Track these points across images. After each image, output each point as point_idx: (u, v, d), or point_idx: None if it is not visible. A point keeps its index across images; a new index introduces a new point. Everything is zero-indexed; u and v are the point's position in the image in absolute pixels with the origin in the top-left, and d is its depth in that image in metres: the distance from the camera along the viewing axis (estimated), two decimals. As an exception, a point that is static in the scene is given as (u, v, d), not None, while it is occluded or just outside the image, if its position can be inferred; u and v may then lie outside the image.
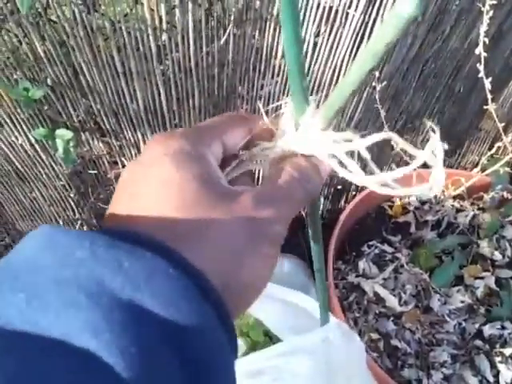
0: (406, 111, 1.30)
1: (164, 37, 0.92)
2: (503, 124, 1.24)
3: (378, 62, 0.34)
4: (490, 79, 1.06)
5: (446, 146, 0.39)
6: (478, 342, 1.16)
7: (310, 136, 0.40)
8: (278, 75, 1.08)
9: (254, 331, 1.01)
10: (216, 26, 0.93)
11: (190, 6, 0.86)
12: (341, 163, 0.41)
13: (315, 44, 0.99)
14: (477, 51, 1.04)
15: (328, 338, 0.71)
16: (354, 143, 0.39)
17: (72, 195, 1.30)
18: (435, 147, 0.37)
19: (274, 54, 1.02)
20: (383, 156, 1.40)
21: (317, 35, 0.97)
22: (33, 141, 1.10)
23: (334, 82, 1.07)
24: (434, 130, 0.39)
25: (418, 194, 0.37)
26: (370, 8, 0.90)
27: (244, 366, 0.69)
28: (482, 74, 1.05)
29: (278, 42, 0.99)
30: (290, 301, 0.84)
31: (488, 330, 1.17)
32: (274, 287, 0.84)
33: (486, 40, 1.01)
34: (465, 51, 1.16)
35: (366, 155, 0.39)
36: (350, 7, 0.89)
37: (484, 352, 1.15)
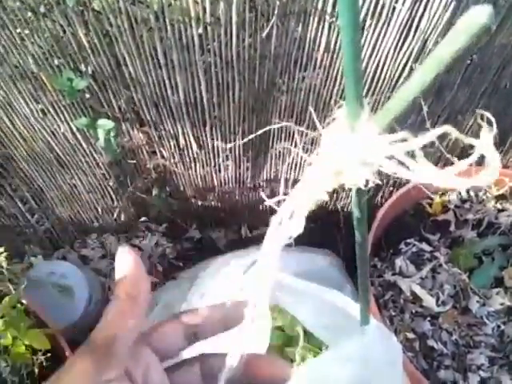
0: (449, 106, 1.27)
1: (207, 28, 0.91)
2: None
3: (445, 70, 0.33)
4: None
5: (496, 132, 0.38)
6: (517, 346, 1.14)
7: (366, 140, 0.39)
8: (319, 68, 1.07)
9: (290, 326, 1.00)
10: (259, 18, 0.92)
11: (235, 2, 0.85)
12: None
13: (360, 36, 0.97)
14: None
15: (371, 340, 0.70)
16: (411, 143, 0.38)
17: (111, 183, 1.32)
18: (489, 135, 0.36)
19: (316, 47, 1.01)
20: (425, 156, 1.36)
21: (362, 29, 0.95)
22: (74, 129, 1.11)
23: (376, 78, 1.05)
24: (486, 119, 0.38)
25: (477, 185, 0.36)
26: (418, 3, 0.88)
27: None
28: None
29: (320, 35, 0.98)
30: (326, 299, 0.83)
31: (528, 334, 1.14)
32: (311, 285, 0.83)
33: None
34: (513, 47, 1.12)
35: (420, 155, 0.38)
36: (397, 1, 0.87)
37: (523, 356, 1.12)
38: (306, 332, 1.00)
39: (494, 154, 0.36)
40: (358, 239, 0.57)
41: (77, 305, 1.27)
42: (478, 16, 0.28)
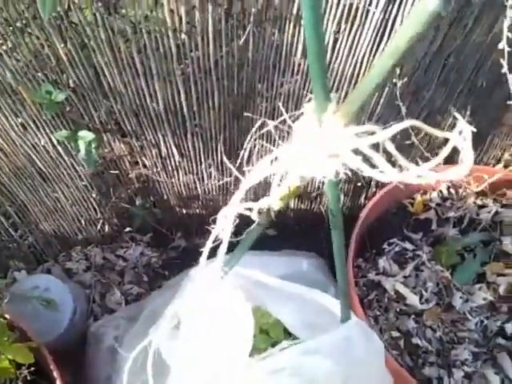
0: (427, 107, 1.29)
1: (184, 37, 0.92)
2: (526, 119, 1.22)
3: (401, 58, 0.34)
4: (512, 75, 1.04)
5: (474, 129, 0.39)
6: (500, 340, 1.15)
7: (332, 132, 0.40)
8: (297, 73, 1.08)
9: (275, 329, 1.01)
10: (235, 25, 0.94)
11: (210, 6, 0.86)
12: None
13: (335, 41, 0.99)
14: (500, 46, 1.03)
15: (349, 336, 0.71)
16: (377, 135, 0.39)
17: (94, 195, 1.32)
18: (463, 129, 0.37)
19: (293, 52, 1.02)
20: (402, 153, 1.38)
21: (337, 33, 0.97)
22: (55, 142, 1.11)
23: (354, 80, 1.06)
24: (461, 114, 0.39)
25: (449, 178, 0.37)
26: (391, 6, 0.90)
27: (266, 363, 0.69)
28: (505, 69, 1.03)
29: (297, 40, 0.99)
30: (308, 298, 0.84)
31: (510, 328, 1.15)
32: (293, 286, 0.84)
33: (510, 35, 1.00)
34: (487, 46, 1.15)
35: (391, 147, 0.39)
36: (370, 4, 0.89)
37: (506, 350, 1.13)
38: (291, 335, 1.01)
39: (469, 147, 0.38)
40: (334, 230, 0.59)
41: (61, 318, 1.27)
42: (429, 4, 0.29)
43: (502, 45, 1.03)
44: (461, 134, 0.39)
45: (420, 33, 0.30)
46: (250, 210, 0.49)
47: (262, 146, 1.16)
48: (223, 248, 0.50)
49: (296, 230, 1.60)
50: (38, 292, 1.28)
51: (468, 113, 1.38)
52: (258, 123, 0.50)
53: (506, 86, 1.17)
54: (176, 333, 0.88)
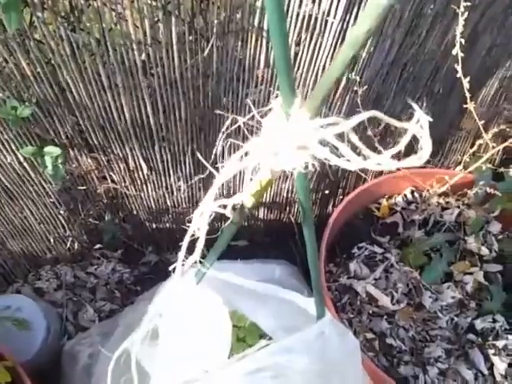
0: (387, 113, 1.33)
1: (149, 50, 0.94)
2: (483, 122, 1.27)
3: (360, 48, 0.36)
4: (467, 79, 1.09)
5: (431, 119, 0.41)
6: (471, 336, 1.18)
7: (299, 125, 0.42)
8: (261, 84, 1.11)
9: (251, 336, 1.02)
10: (199, 39, 0.95)
11: (173, 20, 0.88)
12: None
13: (296, 52, 1.02)
14: (454, 52, 1.08)
15: (323, 332, 0.72)
16: (341, 125, 0.41)
17: (62, 212, 1.31)
18: (420, 119, 0.40)
19: (256, 63, 1.04)
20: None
21: (298, 43, 1.00)
22: (21, 159, 1.10)
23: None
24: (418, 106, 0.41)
25: (411, 165, 0.40)
26: (348, 15, 0.93)
27: (243, 364, 0.70)
28: (460, 74, 1.08)
29: (260, 52, 1.01)
30: (283, 299, 0.85)
31: (480, 324, 1.19)
32: (268, 287, 0.85)
33: (463, 41, 1.05)
34: (442, 53, 1.19)
35: (354, 138, 0.41)
36: (328, 15, 0.92)
37: (477, 345, 1.17)
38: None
39: (426, 134, 0.40)
40: (305, 225, 0.60)
41: (35, 337, 1.25)
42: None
43: (456, 51, 1.08)
44: (418, 122, 0.41)
45: (376, 24, 0.32)
46: (224, 207, 0.50)
47: (230, 143, 1.17)
48: (200, 244, 0.51)
49: (266, 240, 1.62)
50: (10, 312, 1.26)
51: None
52: (228, 121, 0.51)
53: (461, 91, 1.22)
54: (154, 337, 0.88)
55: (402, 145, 0.41)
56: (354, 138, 0.40)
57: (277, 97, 0.44)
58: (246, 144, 0.45)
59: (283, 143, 0.43)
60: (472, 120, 1.55)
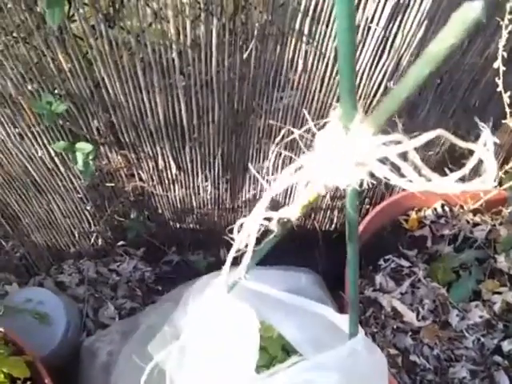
0: (421, 125, 1.31)
1: (187, 51, 0.92)
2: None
3: (437, 65, 0.35)
4: (508, 93, 1.06)
5: (497, 140, 0.39)
6: (497, 358, 1.15)
7: (360, 141, 0.40)
8: (297, 88, 1.09)
9: (273, 346, 1.00)
10: (238, 40, 0.94)
11: (214, 21, 0.87)
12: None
13: (336, 56, 1.00)
14: (495, 65, 1.05)
15: (355, 350, 0.70)
16: (405, 144, 0.39)
17: (88, 208, 1.31)
18: (486, 141, 0.38)
19: (294, 67, 1.03)
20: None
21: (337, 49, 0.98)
22: (53, 154, 1.10)
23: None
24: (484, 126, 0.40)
25: (475, 188, 0.38)
26: (391, 24, 0.91)
27: (274, 380, 0.69)
28: (500, 88, 1.05)
29: (298, 56, 1.00)
30: (312, 312, 0.83)
31: (507, 346, 1.16)
32: (297, 299, 0.83)
33: (505, 54, 1.02)
34: (482, 65, 1.17)
35: (416, 157, 0.40)
36: (372, 22, 0.90)
37: (503, 368, 1.14)
38: (288, 353, 1.00)
39: (492, 158, 0.38)
40: (350, 241, 0.58)
41: (55, 332, 1.25)
42: (471, 11, 0.30)
43: (497, 64, 1.05)
44: (485, 145, 0.39)
45: (460, 40, 0.30)
46: (269, 220, 0.49)
47: (281, 154, 1.15)
48: (247, 258, 0.50)
49: (290, 246, 1.60)
50: (32, 305, 1.26)
51: (461, 131, 1.40)
52: (284, 131, 0.50)
53: (497, 105, 1.19)
54: (181, 349, 0.87)
55: (467, 168, 0.39)
56: (416, 158, 0.38)
57: (335, 109, 0.42)
58: (301, 157, 0.43)
59: (340, 159, 0.41)
60: (506, 134, 1.52)
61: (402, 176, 0.41)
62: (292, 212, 0.49)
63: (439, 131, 0.40)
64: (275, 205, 1.34)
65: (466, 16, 0.29)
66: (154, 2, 0.82)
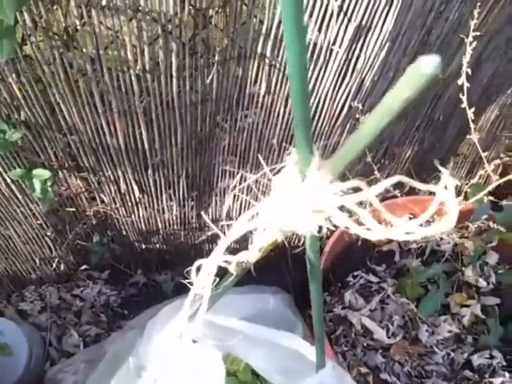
0: (386, 140, 1.31)
1: (146, 73, 0.90)
2: (484, 151, 1.25)
3: (394, 118, 0.33)
4: (472, 109, 1.06)
5: (458, 182, 0.38)
6: (468, 373, 1.15)
7: (317, 188, 0.38)
8: (261, 107, 1.07)
9: (243, 372, 0.98)
10: (199, 62, 0.92)
11: (174, 45, 0.84)
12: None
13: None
14: (459, 81, 1.05)
15: (326, 382, 0.69)
16: (365, 192, 0.37)
17: (49, 233, 1.26)
18: (447, 183, 0.37)
19: (257, 88, 1.01)
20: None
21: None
22: (9, 181, 1.06)
23: (316, 117, 1.06)
24: (444, 167, 0.38)
25: (437, 232, 0.36)
26: (354, 45, 0.90)
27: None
28: (465, 104, 1.05)
29: (261, 77, 0.98)
30: (279, 342, 0.81)
31: (477, 360, 1.16)
32: (263, 330, 0.82)
33: (469, 70, 1.02)
34: (445, 81, 1.17)
35: (377, 204, 0.38)
36: (334, 44, 0.89)
37: (474, 383, 1.14)
38: (258, 377, 0.98)
39: (453, 200, 0.37)
40: (313, 282, 0.57)
41: (17, 362, 1.20)
42: (425, 66, 0.28)
43: (461, 80, 1.05)
44: (446, 188, 0.38)
45: (415, 94, 0.29)
46: (229, 262, 0.47)
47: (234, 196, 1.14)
48: (204, 307, 0.48)
49: (259, 263, 1.58)
50: (-9, 337, 1.21)
51: (426, 144, 1.41)
52: (238, 177, 0.48)
53: (460, 118, 1.20)
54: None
55: (429, 212, 0.38)
56: (377, 204, 0.37)
57: (290, 154, 0.40)
58: (257, 204, 0.41)
59: (297, 205, 0.39)
60: (470, 146, 1.54)
61: (361, 224, 0.40)
62: (250, 255, 0.47)
63: (399, 177, 0.39)
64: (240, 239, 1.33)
65: (422, 71, 0.28)
66: (108, 29, 0.80)
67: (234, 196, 1.14)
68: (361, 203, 0.42)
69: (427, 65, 0.28)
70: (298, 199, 0.40)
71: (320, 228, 0.42)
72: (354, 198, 0.38)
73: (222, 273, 0.56)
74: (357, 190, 0.40)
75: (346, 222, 0.39)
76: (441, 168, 0.41)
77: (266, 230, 0.44)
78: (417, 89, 0.29)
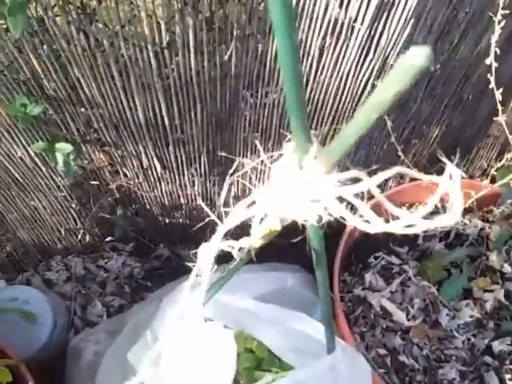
0: (413, 119, 1.27)
1: (164, 50, 0.89)
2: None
3: (385, 112, 0.32)
4: (500, 90, 1.02)
5: (463, 174, 0.37)
6: (488, 359, 1.13)
7: (314, 177, 0.37)
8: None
9: (259, 348, 0.98)
10: (217, 37, 0.91)
11: (191, 20, 0.83)
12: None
13: (320, 55, 0.96)
14: (487, 61, 1.01)
15: (335, 367, 0.69)
16: (364, 183, 0.36)
17: (73, 205, 1.28)
18: (452, 174, 0.35)
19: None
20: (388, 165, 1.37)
21: (322, 48, 0.94)
22: (32, 154, 1.08)
23: (339, 95, 1.04)
24: (450, 159, 0.37)
25: (440, 226, 0.35)
26: (376, 23, 0.87)
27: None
28: (493, 85, 1.02)
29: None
30: (293, 323, 0.81)
31: (497, 346, 1.14)
32: (277, 310, 0.82)
33: (498, 50, 0.98)
34: (474, 60, 1.13)
35: (378, 195, 0.37)
36: (355, 21, 0.86)
37: (493, 369, 1.12)
38: (276, 356, 0.98)
39: (458, 192, 0.35)
40: (318, 269, 0.56)
41: (41, 331, 1.23)
42: (416, 58, 0.27)
43: (490, 60, 1.01)
44: (451, 178, 0.36)
45: (405, 88, 0.27)
46: (231, 247, 0.47)
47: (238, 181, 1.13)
48: (203, 288, 0.47)
49: (280, 242, 1.58)
50: (17, 304, 1.25)
51: (454, 124, 1.37)
52: (235, 163, 0.47)
53: (491, 98, 1.15)
54: (157, 360, 0.85)
55: (432, 203, 0.36)
56: (377, 194, 0.36)
57: (289, 141, 0.39)
58: (254, 192, 0.41)
59: (295, 194, 0.38)
60: (500, 127, 1.48)
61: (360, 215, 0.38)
62: (252, 242, 0.47)
63: (398, 168, 0.37)
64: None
65: (412, 63, 0.27)
66: (125, 4, 0.79)
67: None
68: (362, 193, 0.41)
69: (418, 56, 0.27)
70: (296, 188, 0.39)
71: (320, 218, 0.41)
72: (352, 189, 0.37)
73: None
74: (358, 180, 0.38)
75: (343, 213, 0.38)
76: (444, 159, 0.39)
77: (264, 217, 0.43)
78: (407, 81, 0.28)
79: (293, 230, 1.54)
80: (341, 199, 0.38)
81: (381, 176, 0.36)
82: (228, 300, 0.78)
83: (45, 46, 0.85)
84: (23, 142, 1.04)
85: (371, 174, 0.37)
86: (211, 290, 0.61)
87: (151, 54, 0.88)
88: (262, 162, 0.42)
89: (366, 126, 0.31)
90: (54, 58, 0.87)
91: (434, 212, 1.10)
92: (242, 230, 0.51)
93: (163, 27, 0.83)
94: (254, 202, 0.41)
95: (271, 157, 0.42)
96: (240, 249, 0.48)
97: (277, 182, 0.39)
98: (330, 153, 0.35)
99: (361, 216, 0.38)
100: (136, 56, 0.89)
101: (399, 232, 0.37)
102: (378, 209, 0.39)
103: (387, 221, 0.38)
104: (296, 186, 0.38)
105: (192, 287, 0.54)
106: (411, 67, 0.26)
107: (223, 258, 0.53)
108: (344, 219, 0.37)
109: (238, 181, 1.34)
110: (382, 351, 1.15)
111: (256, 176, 1.27)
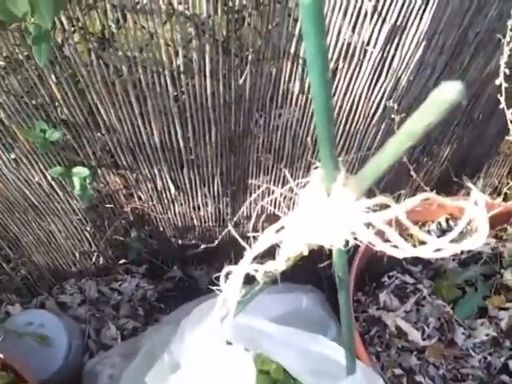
0: (424, 138, 1.28)
1: (180, 74, 0.91)
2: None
3: (416, 142, 0.33)
4: (511, 110, 1.03)
5: (489, 198, 0.38)
6: (505, 377, 1.13)
7: (342, 205, 0.38)
8: (295, 105, 1.07)
9: (275, 370, 0.98)
10: (233, 63, 0.92)
11: (207, 45, 0.85)
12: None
13: (333, 77, 0.98)
14: (497, 82, 1.02)
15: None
16: (392, 210, 0.37)
17: (88, 228, 1.30)
18: (476, 199, 0.36)
19: (291, 87, 1.01)
20: (399, 184, 1.38)
21: (335, 71, 0.96)
22: (49, 178, 1.09)
23: (351, 117, 1.05)
24: (474, 184, 0.38)
25: (467, 249, 0.36)
26: (389, 45, 0.89)
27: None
28: (503, 105, 1.03)
29: (295, 77, 0.98)
30: (311, 345, 0.82)
31: (514, 365, 1.13)
32: (295, 332, 0.82)
33: (507, 71, 0.99)
34: (484, 80, 1.14)
35: (406, 222, 0.38)
36: (368, 44, 0.88)
37: (511, 387, 1.11)
38: (292, 377, 0.98)
39: (483, 218, 0.36)
40: (341, 292, 0.57)
41: (56, 355, 1.24)
42: (448, 92, 0.28)
43: (499, 81, 1.02)
44: (476, 203, 0.37)
45: (437, 120, 0.29)
46: (256, 270, 0.47)
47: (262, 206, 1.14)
48: (231, 315, 0.48)
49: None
50: (32, 328, 1.26)
51: (465, 142, 1.38)
52: (261, 188, 0.48)
53: (501, 116, 1.16)
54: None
55: (458, 229, 0.37)
56: (405, 221, 0.37)
57: (316, 168, 0.40)
58: (283, 218, 0.42)
59: (322, 220, 0.39)
60: (511, 145, 1.49)
61: (388, 241, 0.39)
62: (277, 266, 0.48)
63: (425, 194, 0.38)
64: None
65: (445, 98, 0.28)
66: (144, 30, 0.81)
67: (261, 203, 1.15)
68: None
69: (450, 91, 0.28)
70: (324, 214, 0.40)
71: (347, 242, 0.42)
72: (381, 216, 0.37)
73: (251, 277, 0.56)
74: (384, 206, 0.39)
75: (371, 239, 0.39)
76: (470, 185, 0.40)
77: (292, 243, 0.44)
78: (439, 114, 0.29)
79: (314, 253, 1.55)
80: (368, 225, 0.39)
81: (409, 202, 0.37)
82: (245, 322, 0.79)
83: (64, 73, 0.87)
84: (41, 167, 1.06)
85: (395, 199, 0.38)
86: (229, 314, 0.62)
87: (168, 79, 0.90)
88: (289, 188, 0.43)
89: (398, 154, 0.32)
90: (73, 84, 0.89)
91: (446, 230, 1.11)
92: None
93: (180, 53, 0.85)
94: (282, 228, 0.42)
95: (297, 184, 0.43)
96: (265, 272, 0.49)
97: (305, 208, 0.40)
98: (360, 179, 0.36)
99: (387, 241, 0.39)
100: (153, 80, 0.90)
101: (429, 257, 0.38)
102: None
103: (414, 245, 0.39)
104: (324, 212, 0.39)
105: (219, 311, 0.55)
106: (444, 102, 0.27)
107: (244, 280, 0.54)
108: (373, 245, 0.38)
109: (250, 203, 1.35)
110: (398, 371, 1.14)
111: (276, 201, 1.28)
